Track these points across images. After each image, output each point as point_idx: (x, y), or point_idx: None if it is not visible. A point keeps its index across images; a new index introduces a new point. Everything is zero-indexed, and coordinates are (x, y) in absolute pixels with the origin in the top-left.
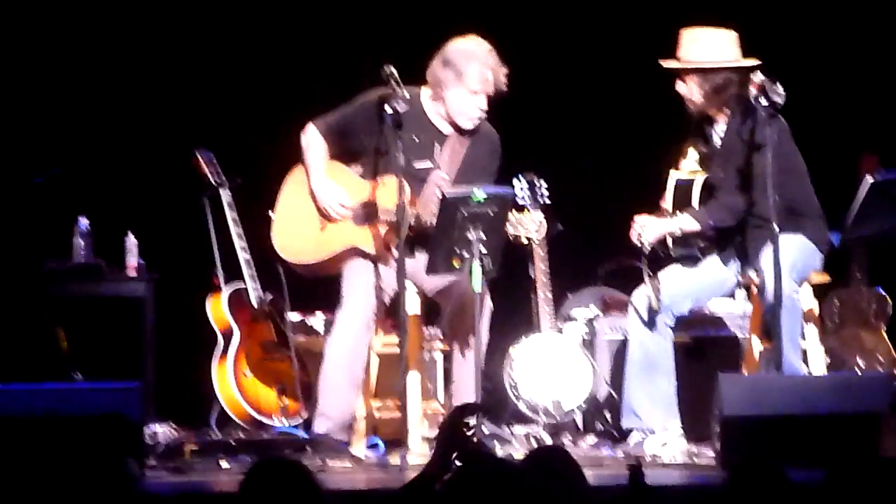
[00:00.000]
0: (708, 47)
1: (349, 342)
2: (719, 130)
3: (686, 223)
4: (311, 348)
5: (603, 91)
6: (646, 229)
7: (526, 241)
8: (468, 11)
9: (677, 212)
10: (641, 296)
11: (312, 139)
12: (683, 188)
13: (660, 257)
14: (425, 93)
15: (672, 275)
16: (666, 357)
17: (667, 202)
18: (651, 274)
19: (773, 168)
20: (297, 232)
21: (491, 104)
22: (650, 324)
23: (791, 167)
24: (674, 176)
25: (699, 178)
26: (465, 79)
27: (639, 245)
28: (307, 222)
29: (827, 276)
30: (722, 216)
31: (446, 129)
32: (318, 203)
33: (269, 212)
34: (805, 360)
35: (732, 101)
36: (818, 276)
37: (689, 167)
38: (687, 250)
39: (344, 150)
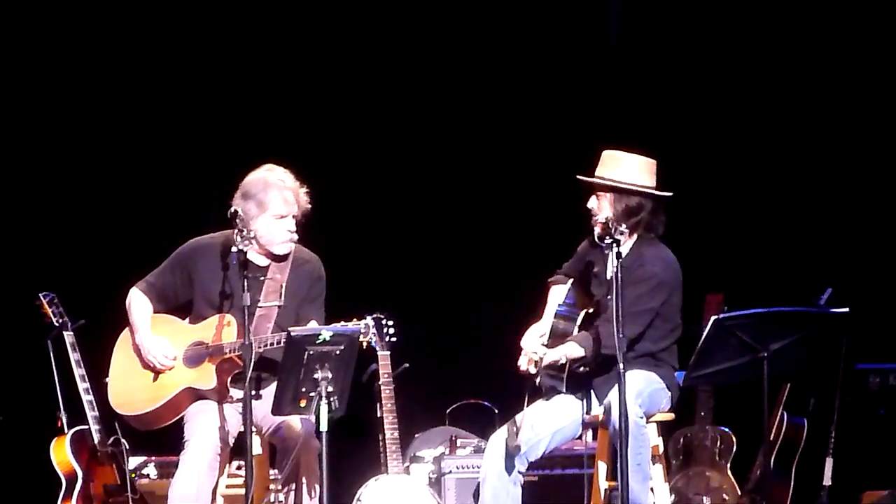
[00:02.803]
0: (627, 169)
1: (192, 485)
2: (613, 257)
3: (572, 350)
4: (155, 491)
5: (452, 232)
6: (547, 356)
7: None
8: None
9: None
10: (499, 440)
11: (135, 299)
12: (565, 320)
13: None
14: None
15: (529, 421)
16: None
17: (542, 326)
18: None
19: (618, 305)
20: (131, 387)
21: (340, 244)
22: (506, 470)
23: (664, 313)
24: (554, 300)
25: (581, 315)
26: (268, 206)
27: (529, 372)
28: (140, 376)
29: (672, 415)
30: (608, 344)
31: (263, 261)
32: (144, 357)
33: (105, 379)
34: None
35: (641, 226)
36: (663, 414)
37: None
38: (553, 382)
39: (168, 303)
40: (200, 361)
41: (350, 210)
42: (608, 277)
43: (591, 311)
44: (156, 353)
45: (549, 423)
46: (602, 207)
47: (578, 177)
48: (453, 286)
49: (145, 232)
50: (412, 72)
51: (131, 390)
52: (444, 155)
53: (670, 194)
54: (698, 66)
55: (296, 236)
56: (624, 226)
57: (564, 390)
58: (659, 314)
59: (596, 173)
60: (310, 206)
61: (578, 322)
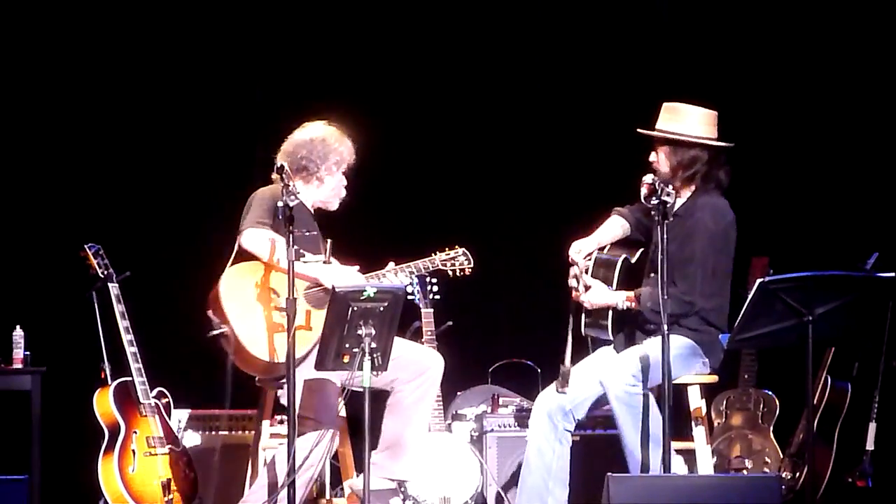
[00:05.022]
0: (684, 122)
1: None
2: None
3: (620, 302)
4: (197, 444)
5: (497, 189)
6: (593, 293)
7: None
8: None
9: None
10: (543, 401)
11: (272, 237)
12: (605, 264)
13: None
14: (298, 184)
15: (577, 379)
16: (562, 463)
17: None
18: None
19: (663, 267)
20: (272, 334)
21: (385, 200)
22: (551, 429)
23: (711, 266)
24: (607, 230)
25: (621, 259)
26: (341, 163)
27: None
28: (275, 323)
29: (715, 377)
30: (651, 305)
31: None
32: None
33: (217, 331)
34: (693, 460)
35: (699, 178)
36: (706, 377)
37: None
38: (598, 332)
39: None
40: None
41: (393, 167)
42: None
43: (633, 260)
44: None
45: (595, 379)
46: (660, 161)
47: (638, 130)
48: (497, 245)
49: (190, 187)
50: (469, 24)
51: (273, 336)
52: (493, 113)
53: (730, 145)
54: (745, 29)
55: None
56: (671, 186)
57: (611, 337)
58: (705, 267)
59: (656, 126)
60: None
61: (618, 266)
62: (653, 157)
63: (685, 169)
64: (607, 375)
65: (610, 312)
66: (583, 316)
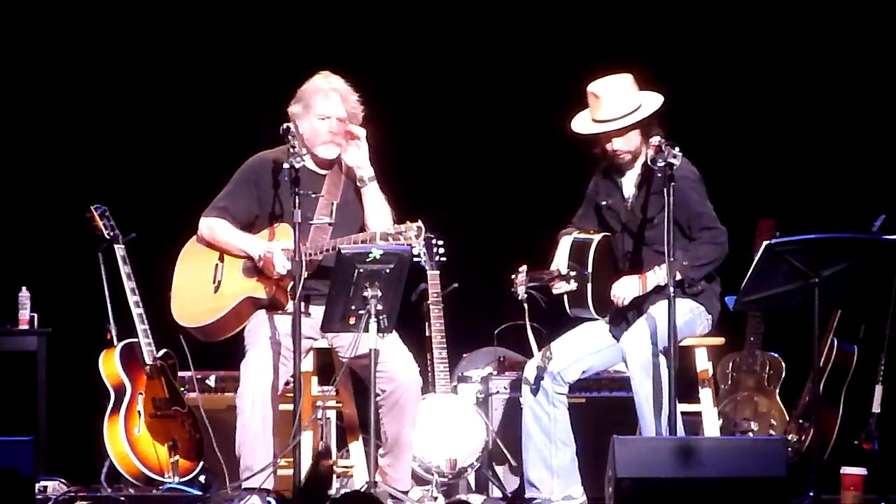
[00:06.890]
0: (627, 95)
1: (262, 390)
2: (628, 181)
3: (660, 278)
4: (204, 405)
5: (500, 153)
6: (621, 287)
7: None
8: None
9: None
10: (531, 368)
11: (213, 224)
12: (580, 247)
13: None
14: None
15: (563, 342)
16: (561, 425)
17: (558, 261)
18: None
19: (670, 230)
20: (192, 299)
21: (393, 162)
22: (542, 393)
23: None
24: (567, 238)
25: (596, 238)
26: (313, 107)
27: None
28: (201, 288)
29: (722, 339)
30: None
31: (321, 171)
32: (265, 256)
33: (169, 292)
34: (700, 423)
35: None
36: (712, 338)
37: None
38: (581, 311)
39: (242, 223)
40: (258, 271)
41: (405, 128)
42: (627, 201)
43: (610, 234)
44: (271, 248)
45: (586, 344)
46: (630, 141)
47: (596, 131)
48: (504, 206)
49: (197, 146)
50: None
51: (192, 301)
52: (498, 78)
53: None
54: None
55: (340, 140)
56: (677, 148)
57: (595, 314)
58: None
59: (601, 116)
60: (361, 113)
61: (594, 245)
62: (619, 144)
63: (651, 129)
64: (630, 343)
65: (589, 292)
66: (565, 297)
